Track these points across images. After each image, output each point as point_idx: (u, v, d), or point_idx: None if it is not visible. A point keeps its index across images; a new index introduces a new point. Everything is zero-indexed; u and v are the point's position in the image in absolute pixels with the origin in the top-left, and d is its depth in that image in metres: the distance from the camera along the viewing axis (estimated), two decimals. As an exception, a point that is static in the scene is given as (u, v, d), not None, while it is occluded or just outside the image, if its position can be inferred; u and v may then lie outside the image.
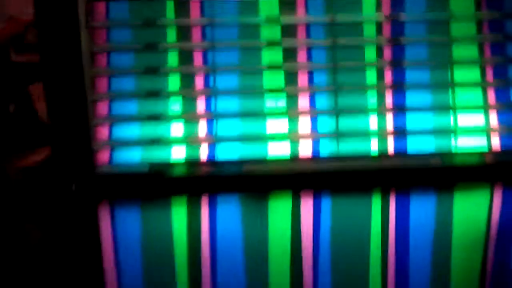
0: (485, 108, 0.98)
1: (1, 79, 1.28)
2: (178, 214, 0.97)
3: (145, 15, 0.93)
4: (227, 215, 0.98)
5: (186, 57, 0.95)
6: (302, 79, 0.97)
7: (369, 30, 0.96)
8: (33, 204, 1.22)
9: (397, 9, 0.96)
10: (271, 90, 0.96)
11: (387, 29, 0.96)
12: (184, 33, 0.94)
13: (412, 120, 0.98)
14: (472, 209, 1.00)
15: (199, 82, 0.96)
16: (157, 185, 0.95)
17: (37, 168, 1.48)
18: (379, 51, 0.96)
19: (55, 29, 0.90)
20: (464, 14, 0.97)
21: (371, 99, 0.97)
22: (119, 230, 0.98)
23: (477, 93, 0.99)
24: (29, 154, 1.52)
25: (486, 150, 0.99)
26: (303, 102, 0.97)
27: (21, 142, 1.56)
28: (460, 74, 0.98)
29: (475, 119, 0.99)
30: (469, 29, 0.98)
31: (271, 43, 0.95)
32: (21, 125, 1.51)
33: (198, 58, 0.95)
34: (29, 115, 1.65)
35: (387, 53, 0.97)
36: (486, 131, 0.98)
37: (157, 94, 0.95)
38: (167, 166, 0.95)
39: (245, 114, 0.96)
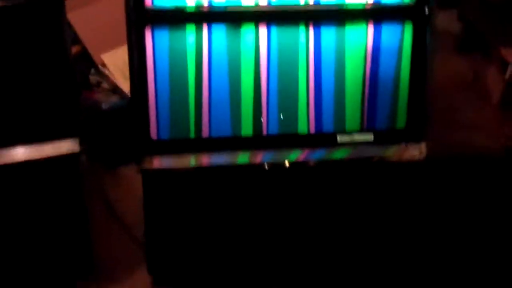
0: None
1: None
2: (190, 35, 1.70)
3: None
4: (218, 37, 1.71)
5: None
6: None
7: None
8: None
9: None
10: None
11: None
12: None
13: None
14: (356, 37, 1.75)
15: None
16: (179, 16, 1.68)
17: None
18: None
19: None
20: None
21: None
22: (156, 44, 1.70)
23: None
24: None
25: (364, 3, 1.74)
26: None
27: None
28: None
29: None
30: None
31: None
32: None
33: None
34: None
35: None
36: (364, -8, 1.74)
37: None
38: (185, 7, 1.68)
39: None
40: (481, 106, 2.93)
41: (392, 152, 1.82)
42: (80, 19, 2.53)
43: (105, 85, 2.53)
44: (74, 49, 2.61)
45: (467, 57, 3.44)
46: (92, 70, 2.54)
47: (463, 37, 3.49)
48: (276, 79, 1.75)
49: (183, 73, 1.72)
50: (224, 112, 1.75)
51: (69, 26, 2.56)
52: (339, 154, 1.82)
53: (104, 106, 2.43)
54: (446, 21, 3.79)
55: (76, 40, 2.56)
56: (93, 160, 2.30)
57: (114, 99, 2.45)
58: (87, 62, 2.55)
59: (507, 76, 2.69)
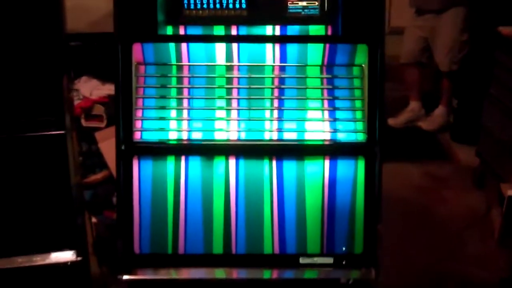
0: (323, 120, 2.00)
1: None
2: (170, 165, 2.00)
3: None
4: (194, 167, 2.00)
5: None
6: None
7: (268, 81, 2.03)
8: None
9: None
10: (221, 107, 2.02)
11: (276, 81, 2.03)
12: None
13: (287, 125, 2.00)
14: (315, 169, 1.98)
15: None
16: (161, 149, 1.99)
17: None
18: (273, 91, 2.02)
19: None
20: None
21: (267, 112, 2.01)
22: (141, 171, 2.00)
23: (319, 113, 2.01)
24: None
25: (322, 140, 1.99)
26: (234, 114, 2.01)
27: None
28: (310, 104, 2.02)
29: (317, 125, 2.00)
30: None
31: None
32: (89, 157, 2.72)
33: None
34: (94, 151, 2.86)
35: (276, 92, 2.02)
36: (323, 129, 1.99)
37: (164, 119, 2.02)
38: (166, 141, 2.00)
39: (207, 119, 2.01)
40: (485, 240, 3.01)
41: (352, 275, 1.97)
42: (108, 148, 2.92)
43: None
44: (103, 174, 3.00)
45: (483, 192, 3.55)
46: (116, 193, 2.88)
47: (480, 173, 3.62)
48: (244, 204, 2.00)
49: (163, 197, 2.00)
50: (197, 232, 2.00)
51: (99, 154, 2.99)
52: (307, 274, 2.00)
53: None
54: (467, 156, 3.96)
55: (105, 165, 2.95)
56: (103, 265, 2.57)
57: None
58: (113, 185, 2.91)
59: (504, 209, 2.78)
